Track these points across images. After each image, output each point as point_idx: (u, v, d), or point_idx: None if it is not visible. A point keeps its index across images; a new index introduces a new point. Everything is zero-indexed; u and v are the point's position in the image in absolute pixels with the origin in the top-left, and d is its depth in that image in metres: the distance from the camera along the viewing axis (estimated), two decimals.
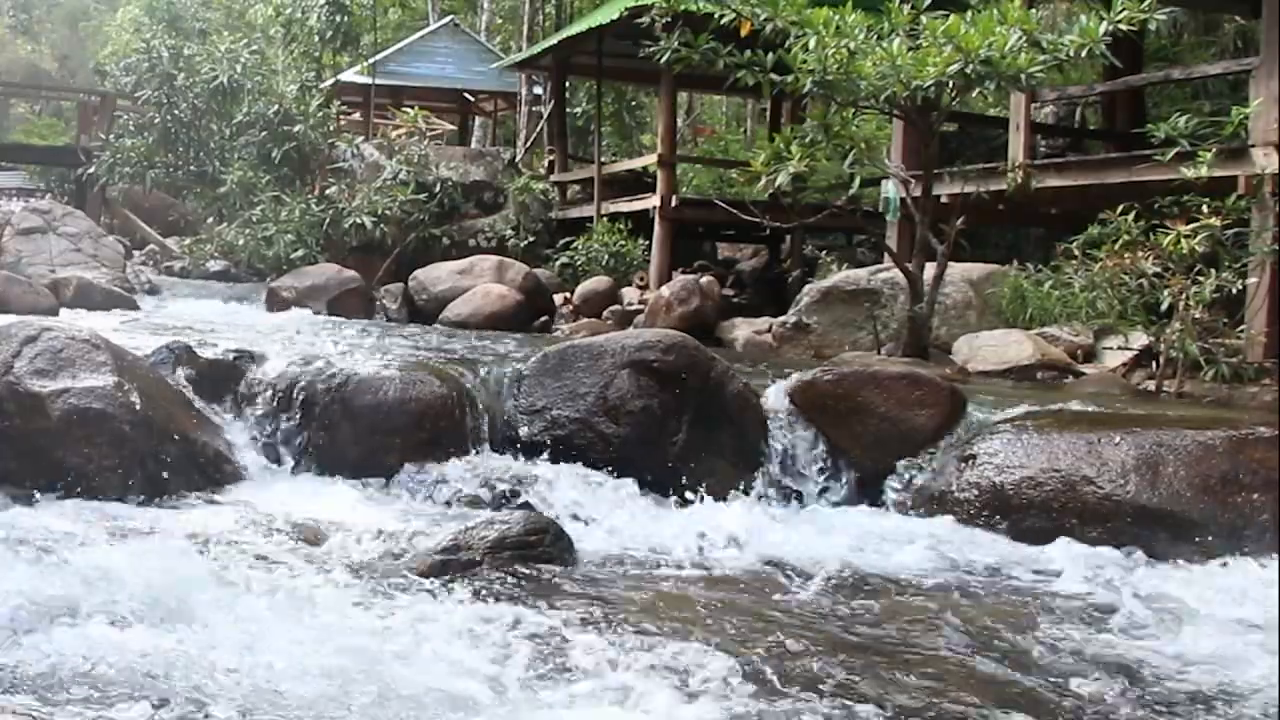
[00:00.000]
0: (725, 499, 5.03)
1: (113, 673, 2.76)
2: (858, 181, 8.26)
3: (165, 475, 4.66)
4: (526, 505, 4.69)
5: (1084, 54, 7.40)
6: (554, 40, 16.86)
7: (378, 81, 20.83)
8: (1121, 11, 7.18)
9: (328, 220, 14.77)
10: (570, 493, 4.83)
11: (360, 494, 4.92)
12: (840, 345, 9.08)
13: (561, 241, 14.90)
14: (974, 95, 8.01)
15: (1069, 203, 9.61)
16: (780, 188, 8.06)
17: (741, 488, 5.12)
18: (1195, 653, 3.29)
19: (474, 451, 5.17)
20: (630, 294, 13.04)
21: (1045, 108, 13.88)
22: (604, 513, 4.72)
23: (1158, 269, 7.21)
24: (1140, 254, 7.25)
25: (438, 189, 15.44)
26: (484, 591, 3.60)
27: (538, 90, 21.61)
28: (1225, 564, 4.22)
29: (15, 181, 22.40)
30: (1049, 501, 4.66)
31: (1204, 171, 7.38)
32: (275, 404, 5.23)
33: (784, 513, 5.01)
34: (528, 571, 3.83)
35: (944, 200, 9.17)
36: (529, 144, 21.12)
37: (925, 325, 8.11)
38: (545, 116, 20.29)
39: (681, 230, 14.32)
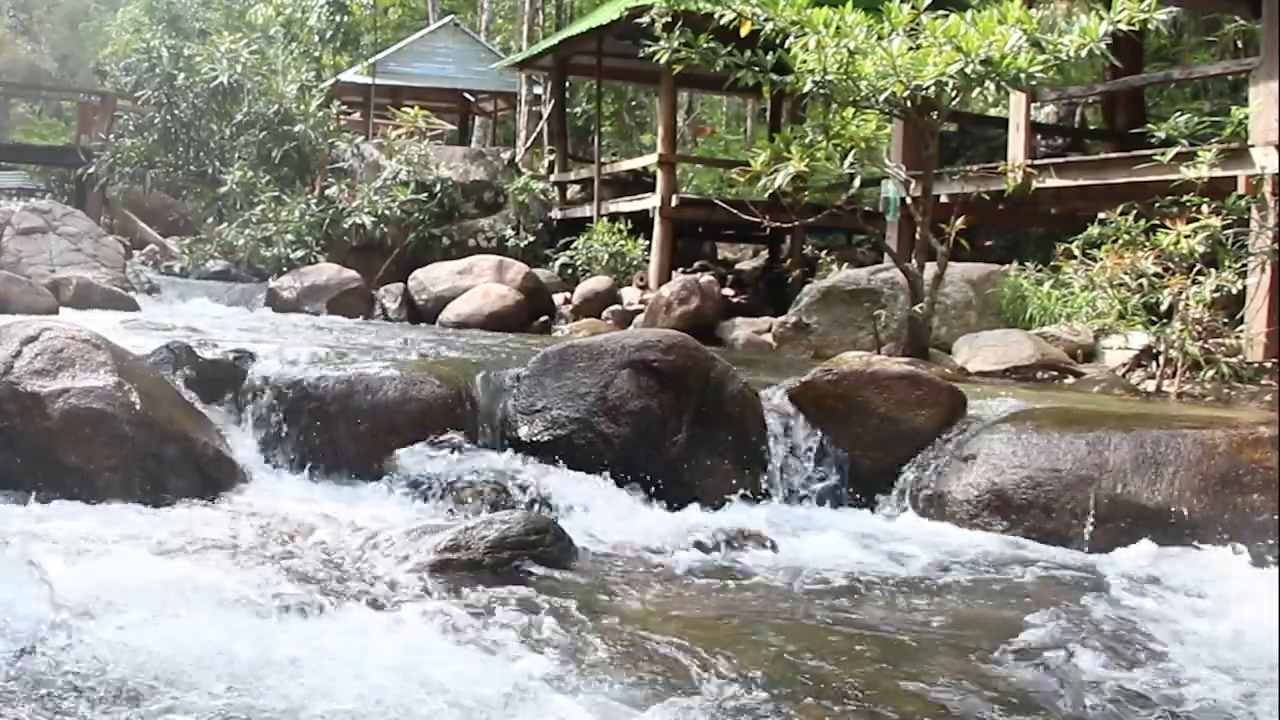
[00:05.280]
0: (725, 499, 5.03)
1: (109, 675, 2.76)
2: (858, 181, 8.26)
3: (165, 476, 4.66)
4: (526, 505, 4.69)
5: (1084, 54, 7.39)
6: (554, 40, 16.86)
7: (378, 81, 20.83)
8: (1121, 11, 7.18)
9: (328, 220, 14.77)
10: (570, 492, 4.83)
11: (360, 495, 4.92)
12: (840, 345, 9.08)
13: (561, 241, 14.90)
14: (974, 95, 7.99)
15: (1069, 203, 9.61)
16: (780, 188, 8.06)
17: (741, 488, 5.12)
18: (1193, 651, 3.29)
19: (474, 451, 5.16)
20: (630, 294, 13.04)
21: (1045, 108, 13.89)
22: (604, 512, 4.72)
23: (1158, 269, 7.21)
24: (1140, 254, 7.25)
25: (438, 189, 15.44)
26: (484, 591, 3.60)
27: (538, 90, 21.61)
28: (1224, 563, 4.22)
29: (15, 181, 22.36)
30: (1049, 501, 4.66)
31: (1204, 171, 7.38)
32: (275, 404, 5.22)
33: (783, 513, 5.01)
34: (528, 571, 3.83)
35: (944, 200, 9.17)
36: (529, 144, 21.12)
37: (925, 325, 8.11)
38: (545, 116, 20.30)
39: (681, 230, 14.32)
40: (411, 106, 17.09)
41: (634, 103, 24.23)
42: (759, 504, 5.08)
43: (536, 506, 4.66)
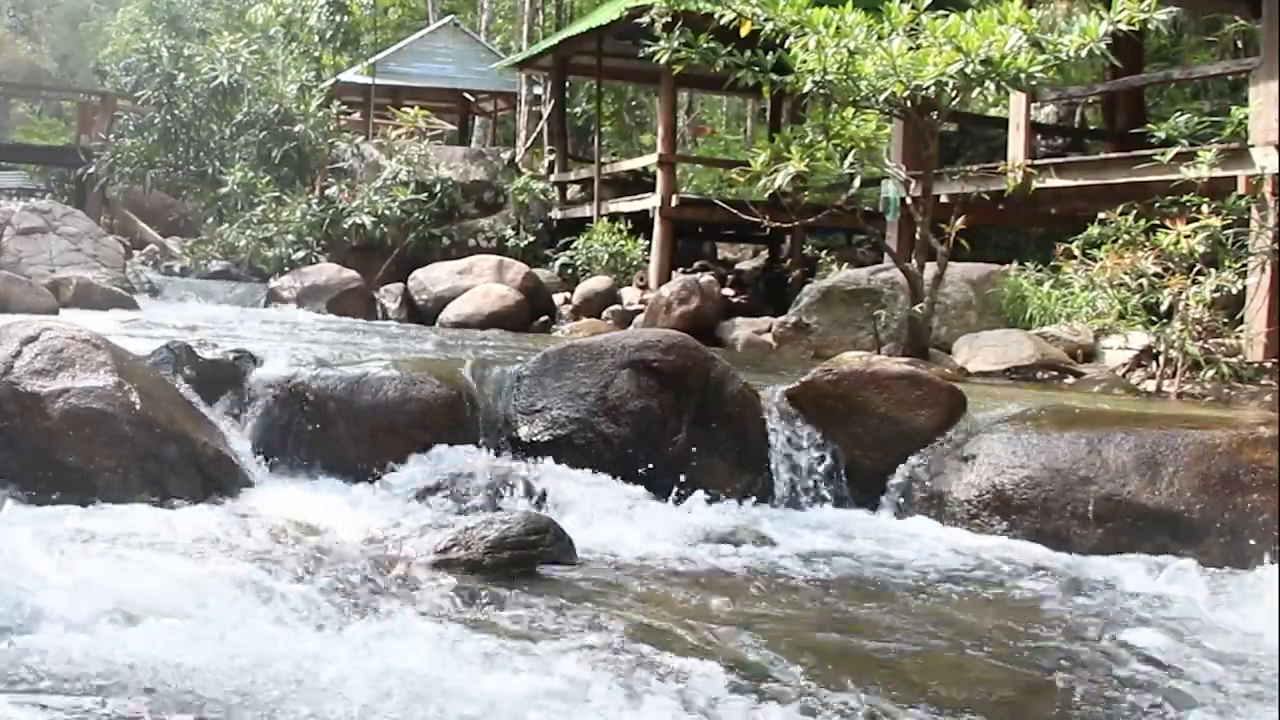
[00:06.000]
0: (725, 499, 5.03)
1: (108, 675, 2.76)
2: (858, 181, 8.26)
3: (165, 476, 4.65)
4: (526, 505, 4.69)
5: (1084, 54, 7.39)
6: (554, 40, 16.86)
7: (378, 81, 20.83)
8: (1121, 11, 7.17)
9: (328, 220, 14.76)
10: (570, 492, 4.83)
11: (360, 494, 4.92)
12: (840, 345, 9.08)
13: (561, 241, 14.90)
14: (974, 95, 7.99)
15: (1069, 203, 9.61)
16: (780, 188, 8.06)
17: (741, 488, 5.12)
18: (1192, 651, 3.29)
19: (474, 451, 5.16)
20: (630, 294, 13.04)
21: (1045, 108, 13.89)
22: (604, 512, 4.72)
23: (1158, 269, 7.21)
24: (1140, 254, 7.25)
25: (438, 189, 15.44)
26: (484, 591, 3.60)
27: (538, 90, 21.61)
28: (1224, 563, 4.22)
29: (15, 181, 22.35)
30: (1049, 502, 4.66)
31: (1204, 171, 7.38)
32: (275, 404, 5.22)
33: (783, 513, 5.01)
34: (528, 571, 3.83)
35: (944, 200, 9.17)
36: (529, 144, 21.12)
37: (925, 325, 8.11)
38: (545, 116, 20.29)
39: (681, 230, 14.32)
40: (411, 106, 17.09)
41: (634, 103, 24.24)
42: (759, 504, 5.08)
43: (536, 506, 4.66)
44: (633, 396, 5.16)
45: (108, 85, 20.25)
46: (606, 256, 13.80)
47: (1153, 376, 7.27)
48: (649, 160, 14.91)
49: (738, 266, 16.12)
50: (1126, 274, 7.26)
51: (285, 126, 15.86)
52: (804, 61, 7.74)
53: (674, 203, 13.41)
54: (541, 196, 16.34)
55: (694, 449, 5.15)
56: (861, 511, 5.07)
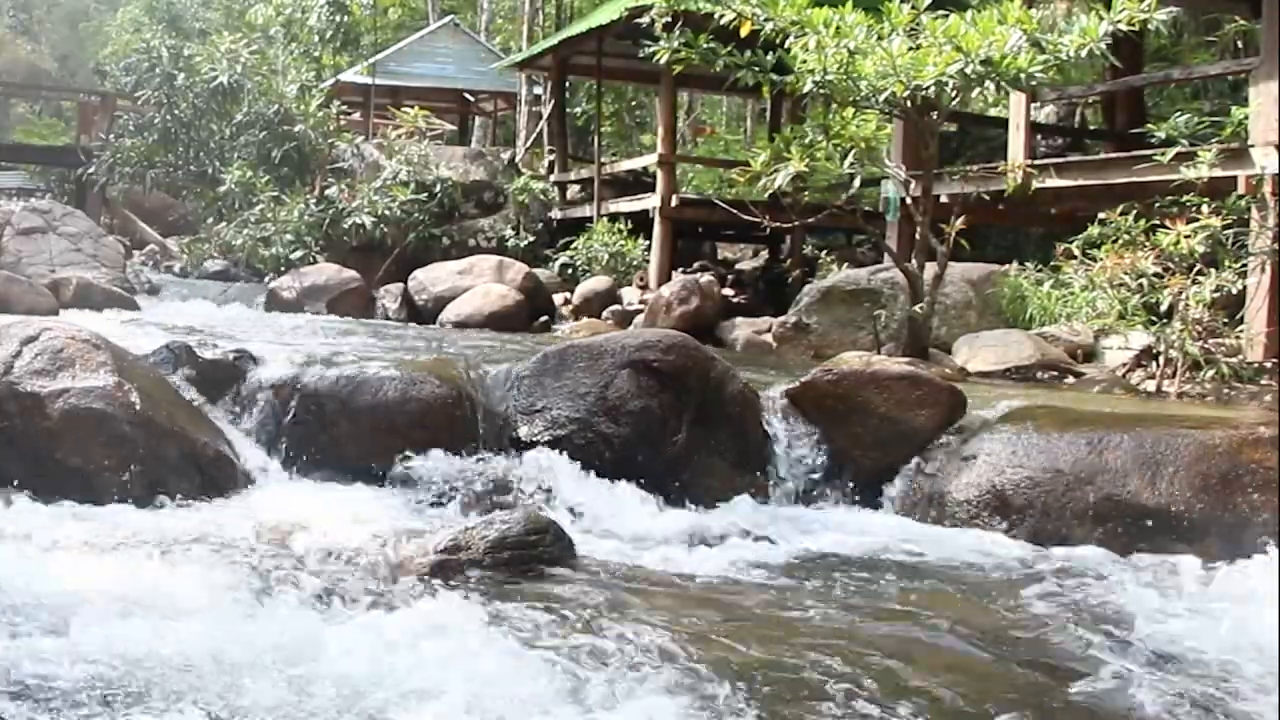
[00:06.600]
0: (725, 499, 5.03)
1: (107, 677, 2.76)
2: (858, 181, 8.26)
3: (165, 476, 4.66)
4: (526, 505, 4.68)
5: (1084, 54, 7.40)
6: (554, 40, 16.87)
7: (378, 81, 20.84)
8: (1121, 11, 7.18)
9: (327, 220, 14.76)
10: (570, 493, 4.84)
11: (361, 494, 4.92)
12: (840, 345, 9.08)
13: (561, 241, 14.90)
14: (974, 95, 7.99)
15: (1069, 203, 9.61)
16: (780, 188, 8.06)
17: (741, 487, 5.12)
18: (1191, 652, 3.29)
19: (474, 451, 5.16)
20: (630, 294, 13.04)
21: (1045, 108, 13.88)
22: (604, 513, 4.73)
23: (1158, 269, 7.21)
24: (1140, 254, 7.25)
25: (438, 189, 15.44)
26: (484, 591, 3.60)
27: (538, 90, 21.62)
28: (1224, 564, 4.22)
29: (15, 181, 22.37)
30: (1049, 502, 4.66)
31: (1204, 171, 7.38)
32: (275, 404, 5.22)
33: (783, 513, 5.01)
34: (528, 572, 3.83)
35: (944, 200, 9.17)
36: (529, 144, 21.12)
37: (925, 325, 8.11)
38: (545, 116, 20.30)
39: (681, 230, 14.32)
40: (411, 106, 17.09)
41: (634, 103, 24.25)
42: (759, 503, 5.08)
43: (536, 507, 4.66)
44: (633, 396, 5.16)
45: (108, 85, 20.26)
46: (606, 256, 13.80)
47: (1153, 376, 7.27)
48: (649, 160, 14.90)
49: (738, 266, 16.12)
50: (1126, 274, 7.26)
51: (285, 126, 15.86)
52: (804, 61, 7.74)
53: (674, 203, 13.41)
54: (541, 196, 16.35)
55: (694, 449, 5.15)
56: (861, 511, 5.07)
